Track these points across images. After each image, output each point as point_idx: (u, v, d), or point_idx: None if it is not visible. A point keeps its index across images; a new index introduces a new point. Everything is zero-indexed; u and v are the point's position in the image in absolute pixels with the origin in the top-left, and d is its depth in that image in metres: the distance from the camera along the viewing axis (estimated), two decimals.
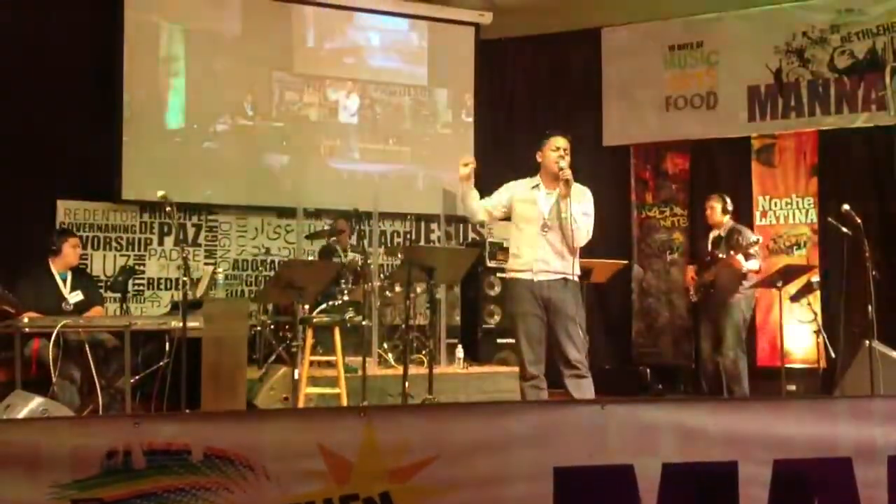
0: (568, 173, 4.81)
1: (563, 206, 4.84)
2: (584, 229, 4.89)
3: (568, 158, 4.92)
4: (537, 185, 5.00)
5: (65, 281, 5.90)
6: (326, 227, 7.90)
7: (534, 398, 4.81)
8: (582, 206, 4.92)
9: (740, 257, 6.64)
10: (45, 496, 2.23)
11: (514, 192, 5.06)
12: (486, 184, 9.12)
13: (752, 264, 6.71)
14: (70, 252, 5.94)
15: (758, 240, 6.82)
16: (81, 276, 6.18)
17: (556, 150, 4.92)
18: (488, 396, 6.76)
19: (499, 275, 5.13)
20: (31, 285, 5.69)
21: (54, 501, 2.23)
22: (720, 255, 6.82)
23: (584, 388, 4.82)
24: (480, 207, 5.08)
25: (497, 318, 8.12)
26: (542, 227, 4.88)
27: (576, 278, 4.95)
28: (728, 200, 7.03)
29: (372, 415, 2.48)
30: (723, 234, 6.96)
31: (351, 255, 7.48)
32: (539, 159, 5.03)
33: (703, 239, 7.32)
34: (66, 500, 2.24)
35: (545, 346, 4.93)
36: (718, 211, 6.98)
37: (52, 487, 2.24)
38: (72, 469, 2.25)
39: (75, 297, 5.85)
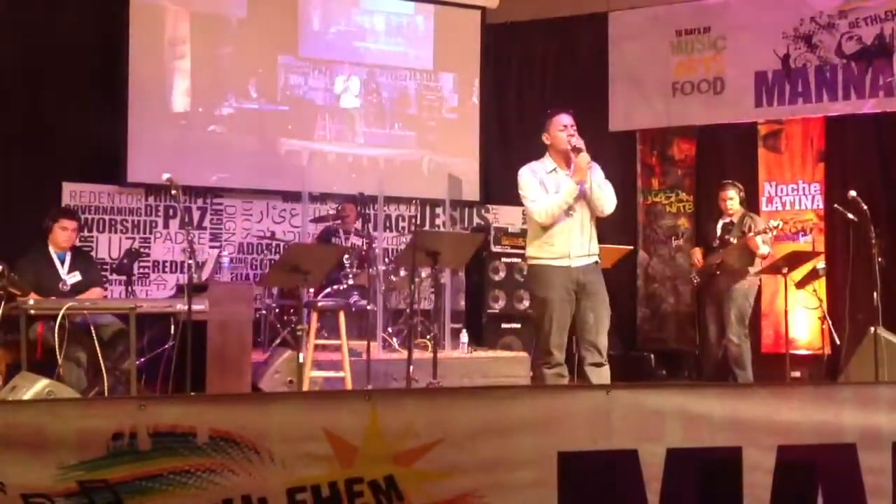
0: (580, 142, 4.64)
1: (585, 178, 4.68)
2: (609, 195, 4.78)
3: (576, 136, 4.73)
4: (554, 169, 4.82)
5: (62, 261, 5.84)
6: (332, 212, 7.88)
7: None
8: (596, 176, 4.78)
9: (759, 238, 6.62)
10: (50, 477, 2.24)
11: (539, 179, 4.83)
12: (491, 169, 9.05)
13: (764, 249, 6.70)
14: (59, 233, 5.83)
15: (778, 224, 6.75)
16: (81, 257, 6.11)
17: (564, 129, 4.75)
18: (492, 381, 6.75)
19: (528, 262, 5.01)
20: (30, 265, 5.64)
21: (60, 483, 2.25)
22: (731, 240, 6.81)
23: (604, 377, 4.78)
24: None
25: (502, 302, 8.09)
26: (569, 210, 4.73)
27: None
28: (742, 189, 7.02)
29: (377, 399, 2.49)
30: (734, 220, 6.95)
31: (354, 238, 7.47)
32: (546, 140, 4.85)
33: (709, 224, 7.29)
34: (72, 482, 2.25)
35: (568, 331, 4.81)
36: (736, 201, 6.95)
37: (57, 469, 2.25)
38: (78, 450, 2.26)
39: (73, 277, 5.80)
